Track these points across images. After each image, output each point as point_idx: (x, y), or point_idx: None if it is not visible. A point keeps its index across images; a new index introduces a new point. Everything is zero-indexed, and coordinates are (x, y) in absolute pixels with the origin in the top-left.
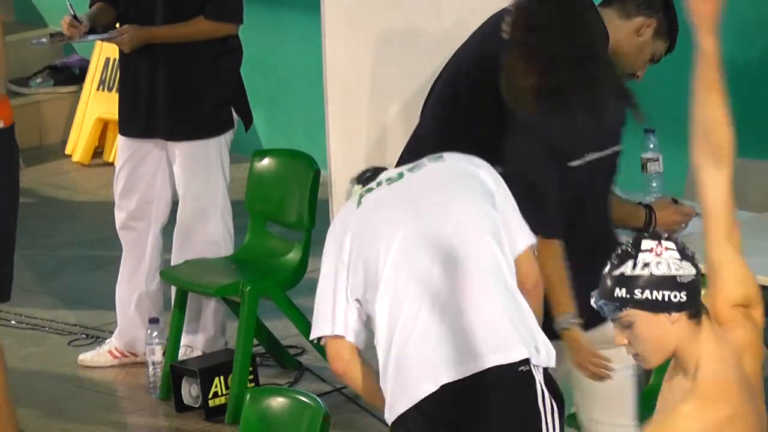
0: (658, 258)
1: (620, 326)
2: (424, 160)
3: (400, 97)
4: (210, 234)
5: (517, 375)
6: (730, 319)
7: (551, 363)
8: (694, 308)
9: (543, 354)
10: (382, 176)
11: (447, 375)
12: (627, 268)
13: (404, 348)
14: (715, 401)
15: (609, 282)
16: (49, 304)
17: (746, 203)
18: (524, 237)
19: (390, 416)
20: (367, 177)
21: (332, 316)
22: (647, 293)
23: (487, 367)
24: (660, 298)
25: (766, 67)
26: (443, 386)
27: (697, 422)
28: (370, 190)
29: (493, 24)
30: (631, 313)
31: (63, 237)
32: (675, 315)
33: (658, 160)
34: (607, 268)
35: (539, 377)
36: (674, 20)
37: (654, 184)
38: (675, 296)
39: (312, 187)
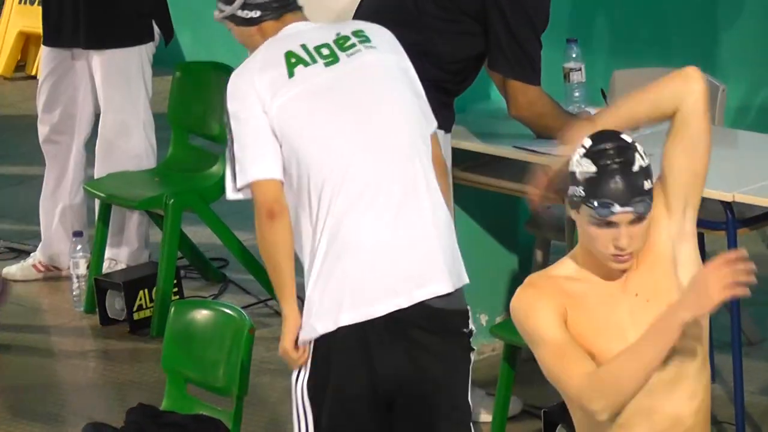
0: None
1: (635, 222)
2: (356, 41)
3: (324, 14)
4: (132, 147)
5: (463, 303)
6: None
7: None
8: None
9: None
10: (312, 44)
11: (404, 298)
12: (641, 160)
13: (353, 256)
14: None
15: (635, 179)
16: None
17: None
18: (432, 119)
19: (320, 328)
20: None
21: (268, 159)
22: (653, 177)
23: (444, 292)
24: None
25: None
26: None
27: None
28: (301, 61)
29: None
30: (650, 204)
31: None
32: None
33: (580, 69)
34: (618, 170)
35: None
36: None
37: (576, 94)
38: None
39: None
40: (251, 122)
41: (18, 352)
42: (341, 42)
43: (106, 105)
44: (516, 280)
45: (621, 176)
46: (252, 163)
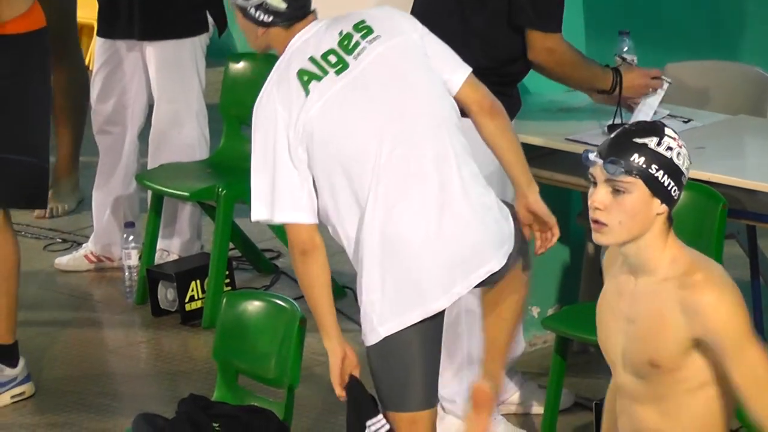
0: (680, 149)
1: (611, 187)
2: (358, 38)
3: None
4: (185, 138)
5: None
6: None
7: None
8: (671, 211)
9: None
10: (319, 53)
11: (461, 286)
12: (652, 142)
13: (406, 254)
14: (729, 285)
15: (629, 146)
16: (25, 210)
17: (720, 105)
18: (460, 69)
19: (383, 331)
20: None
21: (304, 203)
22: (660, 174)
23: (498, 268)
24: (666, 184)
25: None
26: None
27: (726, 305)
28: (314, 76)
29: None
30: (635, 183)
31: None
32: (663, 207)
33: (633, 61)
34: (622, 132)
35: None
36: None
37: None
38: (675, 190)
39: None
40: (283, 158)
41: (69, 343)
42: (345, 43)
43: (160, 96)
44: (567, 273)
45: (616, 135)
46: (287, 204)
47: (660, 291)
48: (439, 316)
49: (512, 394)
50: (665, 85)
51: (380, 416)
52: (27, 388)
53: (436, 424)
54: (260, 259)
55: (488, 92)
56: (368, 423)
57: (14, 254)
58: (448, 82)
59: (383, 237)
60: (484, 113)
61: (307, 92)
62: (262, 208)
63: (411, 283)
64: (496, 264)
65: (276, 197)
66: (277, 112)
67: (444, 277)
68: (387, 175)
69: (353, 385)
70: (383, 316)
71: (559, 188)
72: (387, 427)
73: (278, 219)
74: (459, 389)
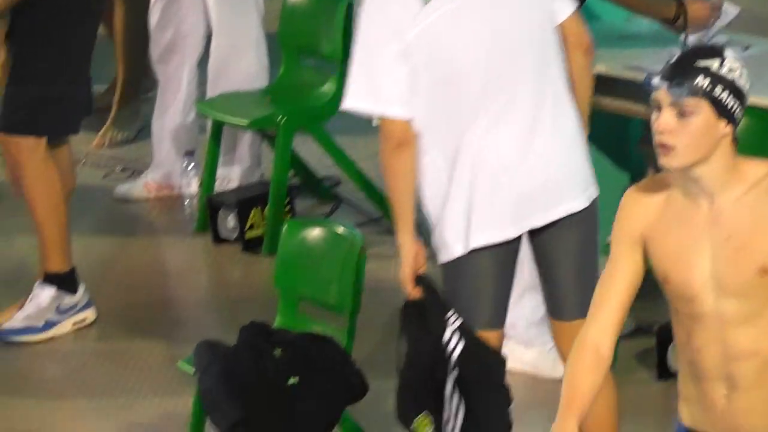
0: (741, 69)
1: (676, 110)
2: None
3: None
4: (244, 67)
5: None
6: None
7: None
8: (736, 131)
9: None
10: None
11: (539, 216)
12: (714, 64)
13: (490, 176)
14: None
15: (692, 69)
16: (84, 138)
17: None
18: (570, 1)
19: (458, 249)
20: None
21: (403, 98)
22: (724, 95)
23: (579, 209)
24: (730, 105)
25: None
26: None
27: None
28: None
29: None
30: (701, 105)
31: (99, 72)
32: (728, 128)
33: None
34: (684, 56)
35: None
36: None
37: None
38: (739, 110)
39: (346, 17)
40: (390, 54)
41: (130, 271)
42: None
43: (219, 26)
44: None
45: (678, 59)
46: (390, 97)
47: (749, 199)
48: (515, 242)
49: None
50: (731, 13)
51: (452, 310)
52: (89, 314)
53: None
54: (320, 186)
55: (588, 31)
56: (447, 316)
57: (58, 184)
58: (556, 12)
59: (477, 157)
60: (581, 49)
61: (426, 0)
62: (363, 98)
63: (489, 207)
64: (578, 204)
65: (380, 90)
66: (390, 10)
67: (521, 207)
68: (488, 98)
69: (424, 282)
70: (458, 235)
71: (619, 115)
72: (461, 319)
73: (380, 110)
74: (521, 314)
